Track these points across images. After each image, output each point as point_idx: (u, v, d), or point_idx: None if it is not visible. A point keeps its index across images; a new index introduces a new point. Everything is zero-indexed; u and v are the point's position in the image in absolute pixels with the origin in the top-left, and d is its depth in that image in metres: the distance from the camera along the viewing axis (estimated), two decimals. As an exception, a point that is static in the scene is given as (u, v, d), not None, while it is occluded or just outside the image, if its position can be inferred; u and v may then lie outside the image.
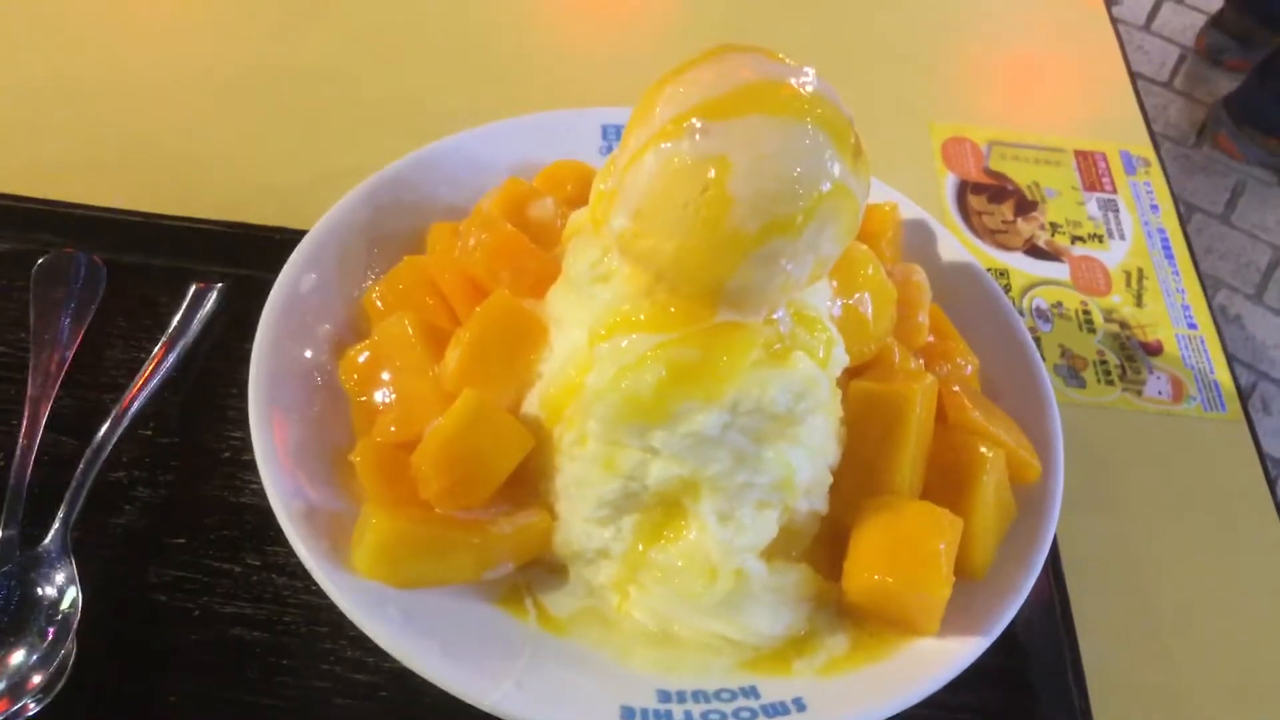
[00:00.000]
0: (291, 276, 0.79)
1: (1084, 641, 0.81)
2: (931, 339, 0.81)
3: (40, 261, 0.95)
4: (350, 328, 0.81)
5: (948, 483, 0.73)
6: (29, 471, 0.82)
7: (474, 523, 0.69)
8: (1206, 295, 1.14)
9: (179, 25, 1.25)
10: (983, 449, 0.73)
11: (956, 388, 0.76)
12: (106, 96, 1.14)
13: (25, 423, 0.85)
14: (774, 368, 0.65)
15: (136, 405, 0.87)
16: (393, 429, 0.74)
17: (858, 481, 0.72)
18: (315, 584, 0.76)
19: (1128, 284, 1.13)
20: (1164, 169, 1.24)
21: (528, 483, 0.72)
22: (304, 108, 1.16)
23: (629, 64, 1.26)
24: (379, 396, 0.76)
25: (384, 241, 0.85)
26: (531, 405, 0.72)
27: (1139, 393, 1.04)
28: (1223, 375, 1.06)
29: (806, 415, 0.67)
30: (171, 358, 0.91)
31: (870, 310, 0.73)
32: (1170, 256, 1.16)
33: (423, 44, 1.26)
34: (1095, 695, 0.78)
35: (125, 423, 0.85)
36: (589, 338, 0.68)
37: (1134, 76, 1.33)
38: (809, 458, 0.69)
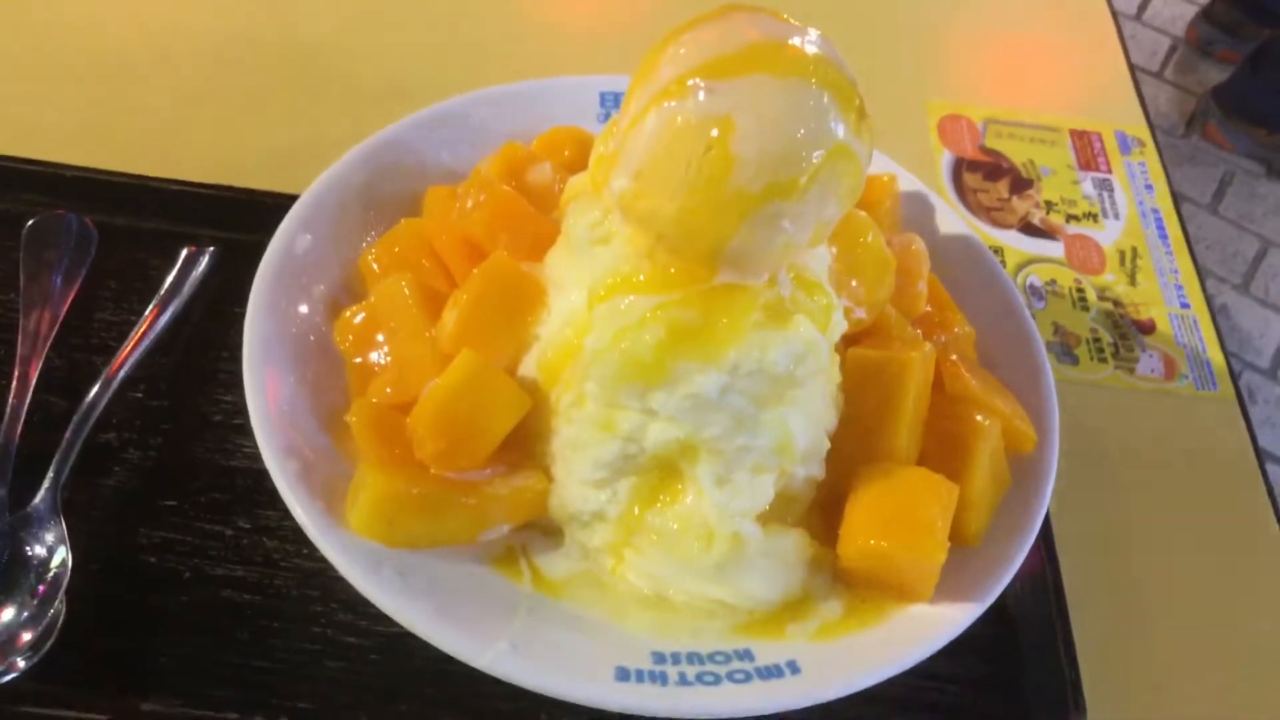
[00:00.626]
0: (286, 237, 0.79)
1: (1074, 613, 0.81)
2: (929, 309, 0.81)
3: (31, 222, 0.94)
4: (345, 289, 0.81)
5: (944, 450, 0.73)
6: (18, 432, 0.82)
7: (470, 484, 0.69)
8: (1199, 275, 1.14)
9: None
10: (979, 417, 0.73)
11: (954, 356, 0.77)
12: (99, 62, 1.14)
13: (15, 383, 0.84)
14: (775, 329, 0.65)
15: (127, 368, 0.86)
16: (388, 390, 0.74)
17: (854, 447, 0.72)
18: (307, 547, 0.77)
19: (1121, 263, 1.14)
20: (1159, 149, 1.24)
21: (524, 445, 0.72)
22: (298, 75, 1.15)
23: (627, 32, 1.26)
24: (374, 358, 0.76)
25: (380, 204, 0.85)
26: (529, 367, 0.72)
27: (1131, 370, 1.05)
28: (1215, 354, 1.07)
29: (806, 379, 0.67)
30: (163, 321, 0.91)
31: (869, 277, 0.73)
32: (1164, 236, 1.17)
33: (418, 11, 1.25)
34: (1085, 665, 0.78)
35: (115, 385, 0.85)
36: (588, 299, 0.67)
37: (1130, 57, 1.33)
38: (807, 422, 0.69)
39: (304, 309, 0.78)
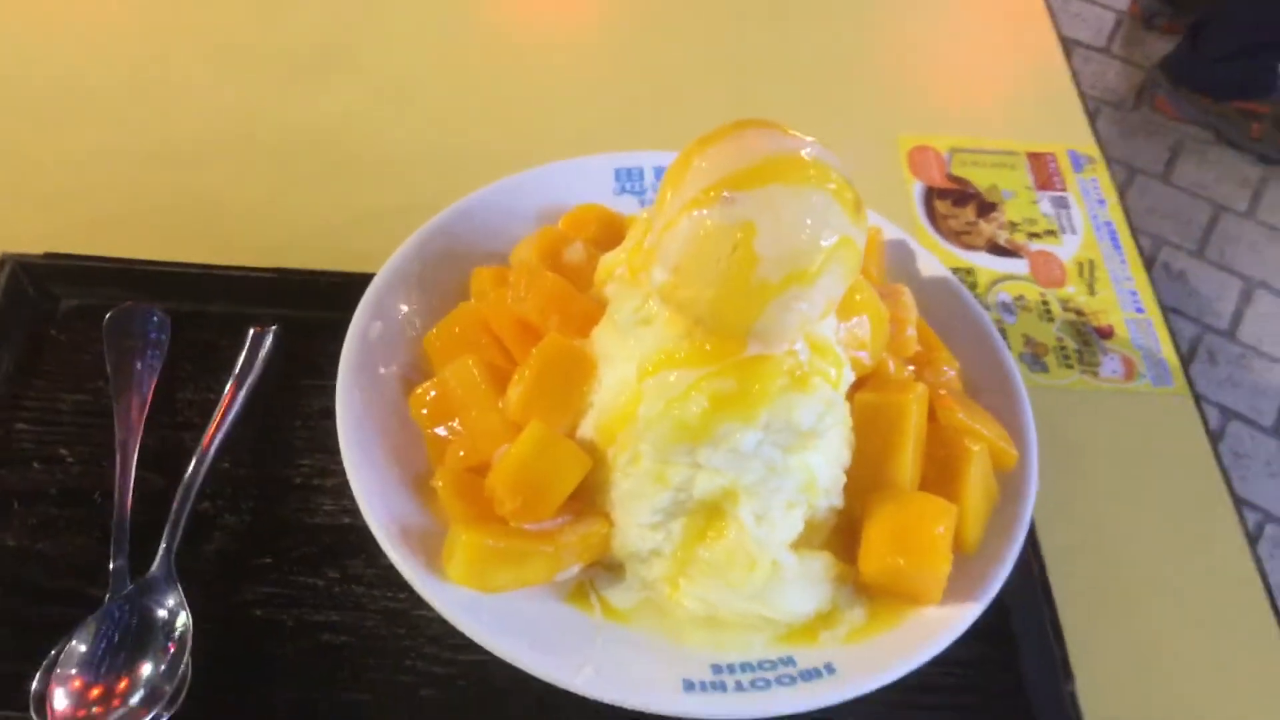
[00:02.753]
0: (360, 326, 0.90)
1: (1059, 599, 0.93)
2: (918, 349, 0.94)
3: (110, 314, 1.04)
4: (414, 368, 0.92)
5: (941, 474, 0.86)
6: (129, 508, 0.92)
7: (545, 533, 0.81)
8: (1152, 282, 1.27)
9: (210, 88, 1.34)
10: (969, 444, 0.86)
11: (944, 391, 0.89)
12: (150, 157, 1.24)
13: (118, 464, 0.94)
14: (798, 392, 0.78)
15: (216, 442, 0.97)
16: (462, 454, 0.86)
17: (866, 478, 0.85)
18: (391, 591, 0.89)
19: (1080, 275, 1.27)
20: (1108, 162, 1.37)
21: (586, 496, 0.84)
22: (329, 157, 1.26)
23: (628, 106, 1.39)
24: (448, 428, 0.88)
25: (434, 288, 0.96)
26: (586, 430, 0.84)
27: (1095, 374, 1.18)
28: (1169, 354, 1.20)
29: (826, 430, 0.80)
30: (240, 397, 1.01)
31: (868, 332, 0.86)
32: (1118, 247, 1.30)
33: (433, 94, 1.37)
34: (1071, 646, 0.90)
35: (209, 459, 0.96)
36: (638, 374, 0.80)
37: (1082, 90, 1.46)
38: (827, 462, 0.82)
39: (382, 389, 0.90)
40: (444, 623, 0.80)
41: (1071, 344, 1.20)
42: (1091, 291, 1.25)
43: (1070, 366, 1.18)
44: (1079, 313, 1.23)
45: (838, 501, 0.85)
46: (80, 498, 0.95)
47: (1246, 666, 0.99)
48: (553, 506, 0.82)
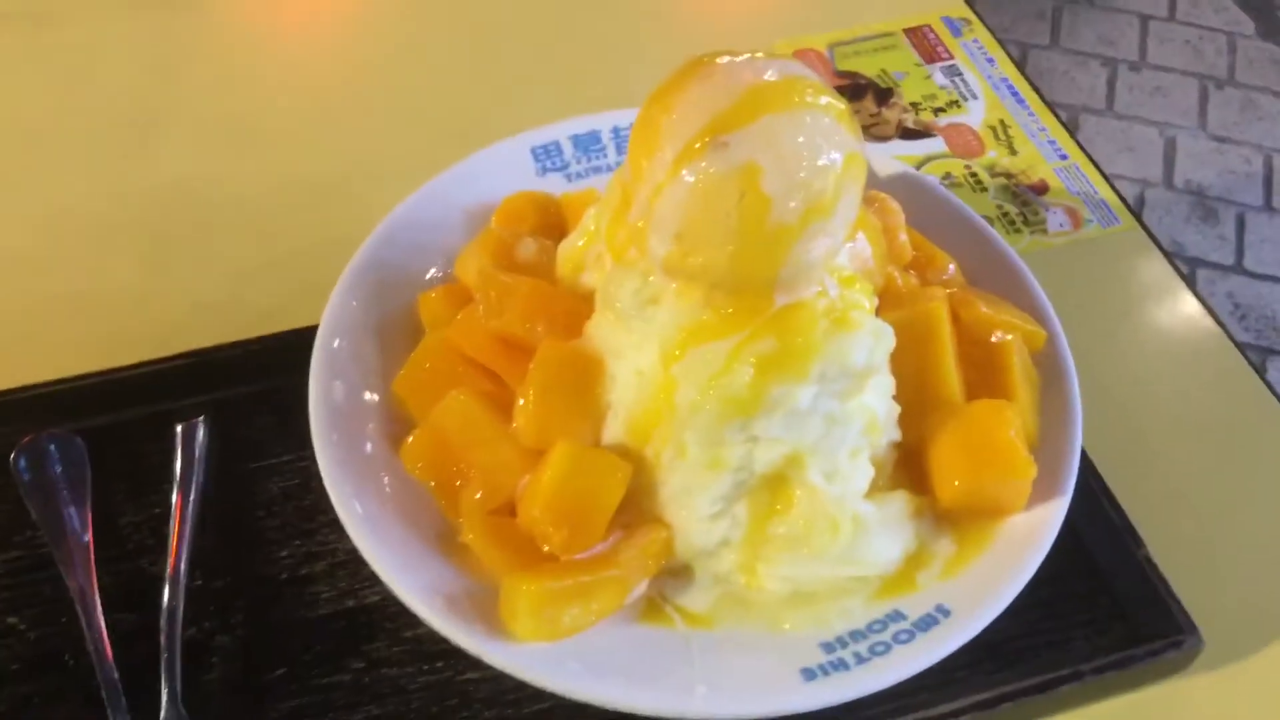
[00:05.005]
0: (321, 391, 0.80)
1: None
2: (914, 254, 0.88)
3: (14, 453, 0.92)
4: (392, 420, 0.83)
5: (983, 375, 0.81)
6: (111, 660, 0.81)
7: (603, 558, 0.73)
8: (1064, 124, 1.24)
9: (28, 175, 1.20)
10: (1003, 334, 0.81)
11: (956, 289, 0.84)
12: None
13: (82, 616, 0.83)
14: (844, 332, 0.71)
15: (184, 560, 0.86)
16: (479, 496, 0.77)
17: (913, 401, 0.79)
18: (427, 663, 0.82)
19: (996, 137, 1.23)
20: (984, 21, 1.34)
21: (631, 505, 0.76)
22: (197, 217, 1.14)
23: (497, 84, 1.29)
24: (454, 474, 0.79)
25: (383, 329, 0.87)
26: (613, 435, 0.76)
27: (1045, 231, 1.15)
28: (1106, 193, 1.18)
29: (881, 364, 0.73)
30: (190, 503, 0.90)
31: (868, 249, 0.80)
32: (1021, 101, 1.27)
33: (283, 130, 1.25)
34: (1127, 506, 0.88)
35: (182, 581, 0.85)
36: (662, 360, 0.72)
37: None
38: (881, 397, 0.76)
39: (367, 453, 0.80)
40: (495, 681, 0.75)
41: (1012, 208, 1.16)
42: (1013, 151, 1.22)
43: (1019, 231, 1.14)
44: (1008, 175, 1.19)
45: (896, 435, 0.79)
46: (49, 666, 0.83)
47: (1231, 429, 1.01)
48: (602, 527, 0.74)
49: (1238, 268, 2.60)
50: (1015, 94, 1.27)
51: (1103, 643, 0.85)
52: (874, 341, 0.73)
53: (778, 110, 0.66)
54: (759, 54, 0.70)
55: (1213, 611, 0.85)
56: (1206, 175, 2.80)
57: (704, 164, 0.66)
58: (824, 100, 0.68)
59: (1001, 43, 1.32)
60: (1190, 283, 1.12)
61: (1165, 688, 0.85)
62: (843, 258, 0.76)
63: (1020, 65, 1.29)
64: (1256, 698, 0.86)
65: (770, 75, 0.68)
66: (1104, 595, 0.87)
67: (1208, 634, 0.82)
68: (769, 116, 0.66)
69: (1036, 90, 1.27)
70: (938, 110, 1.26)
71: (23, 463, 0.92)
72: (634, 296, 0.74)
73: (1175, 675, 0.85)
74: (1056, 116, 1.25)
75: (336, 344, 0.83)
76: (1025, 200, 1.17)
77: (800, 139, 0.67)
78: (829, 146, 0.67)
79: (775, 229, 0.67)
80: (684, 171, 0.66)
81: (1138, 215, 1.17)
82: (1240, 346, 1.07)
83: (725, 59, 0.70)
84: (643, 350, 0.74)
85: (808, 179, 0.66)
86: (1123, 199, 1.18)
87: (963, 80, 1.29)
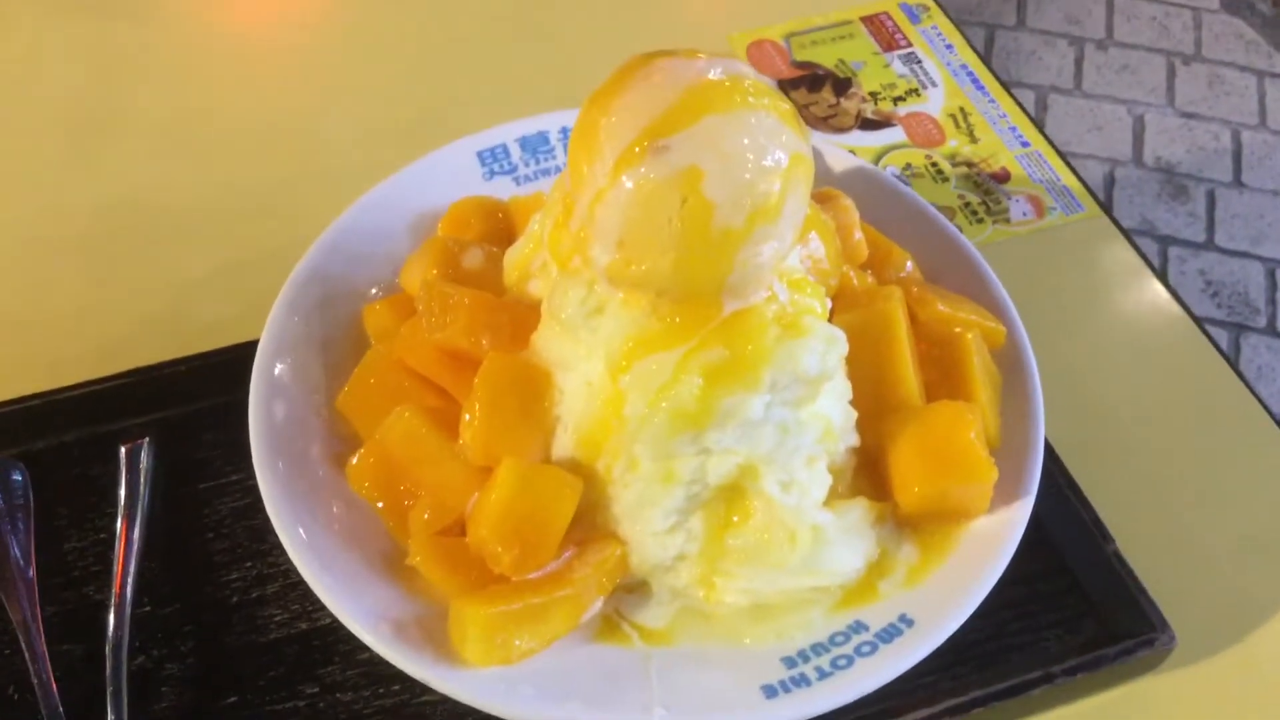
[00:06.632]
0: (261, 409, 0.78)
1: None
2: (868, 252, 0.86)
3: (-52, 485, 0.89)
4: (337, 439, 0.80)
5: (943, 374, 0.79)
6: (55, 694, 0.79)
7: (556, 577, 0.71)
8: (1025, 111, 1.22)
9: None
10: (961, 332, 0.79)
11: (914, 288, 0.82)
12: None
13: (25, 649, 0.81)
14: (795, 338, 0.69)
15: (130, 586, 0.84)
16: (427, 517, 0.75)
17: (871, 404, 0.77)
18: (382, 687, 0.81)
19: (957, 126, 1.21)
20: (946, 4, 1.31)
21: (584, 521, 0.74)
22: (138, 230, 1.11)
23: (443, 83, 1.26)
24: (402, 494, 0.76)
25: (326, 343, 0.84)
26: (563, 449, 0.74)
27: (1008, 220, 1.13)
28: (1069, 180, 1.16)
29: (834, 370, 0.71)
30: (136, 527, 0.88)
31: (822, 249, 0.77)
32: (981, 88, 1.25)
33: (222, 133, 1.21)
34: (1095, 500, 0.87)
35: (128, 609, 0.82)
36: (609, 371, 0.70)
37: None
38: (837, 403, 0.74)
39: (310, 473, 0.77)
40: (452, 704, 0.72)
41: (974, 198, 1.14)
42: (973, 138, 1.20)
43: (982, 221, 1.13)
44: (969, 164, 1.17)
45: (854, 440, 0.77)
46: (-8, 700, 0.80)
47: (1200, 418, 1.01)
48: (553, 545, 0.72)
49: (1209, 244, 2.59)
50: (975, 80, 1.25)
51: (1074, 642, 0.84)
52: (826, 347, 0.71)
53: (719, 111, 0.64)
54: (700, 53, 0.68)
55: (1186, 607, 0.83)
56: (1176, 152, 2.78)
57: (644, 169, 0.63)
58: (767, 100, 0.66)
59: (965, 25, 1.30)
60: (1157, 269, 1.11)
61: (1139, 685, 0.84)
62: (794, 260, 0.74)
63: (988, 46, 1.27)
64: (1231, 693, 0.85)
65: (712, 75, 0.66)
66: (1073, 594, 0.86)
67: (1181, 630, 0.81)
68: (710, 118, 0.63)
69: (996, 76, 1.25)
70: (897, 99, 1.23)
71: (-43, 492, 0.89)
72: (579, 306, 0.71)
73: (1149, 673, 0.84)
74: (1017, 102, 1.23)
75: (277, 361, 0.81)
76: (988, 189, 1.15)
77: (743, 141, 0.64)
78: (773, 147, 0.65)
79: (720, 234, 0.64)
80: (624, 177, 0.64)
81: (1100, 201, 1.15)
82: (1208, 333, 1.06)
83: (665, 60, 0.67)
84: (590, 362, 0.71)
85: (752, 182, 0.64)
86: (1085, 184, 1.16)
87: (922, 68, 1.27)
